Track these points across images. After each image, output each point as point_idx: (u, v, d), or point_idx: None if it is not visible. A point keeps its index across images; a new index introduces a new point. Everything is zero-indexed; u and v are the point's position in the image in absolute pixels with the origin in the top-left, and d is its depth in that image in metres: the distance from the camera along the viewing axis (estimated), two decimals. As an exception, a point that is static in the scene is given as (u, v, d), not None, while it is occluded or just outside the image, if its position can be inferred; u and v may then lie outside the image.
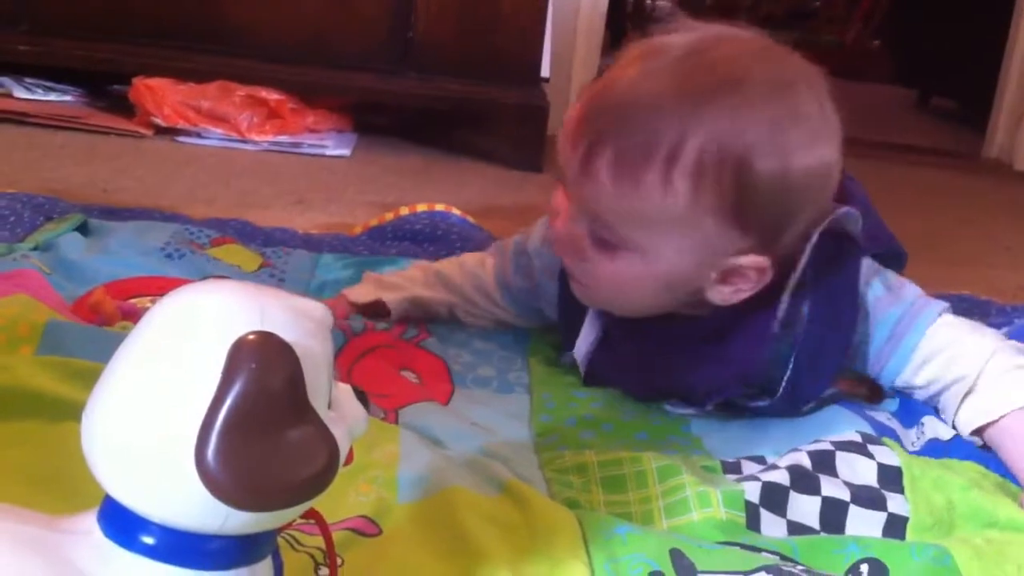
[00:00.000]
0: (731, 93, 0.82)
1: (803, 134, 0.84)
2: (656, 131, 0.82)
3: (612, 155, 0.83)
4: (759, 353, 0.90)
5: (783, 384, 0.91)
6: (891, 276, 0.97)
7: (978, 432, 0.90)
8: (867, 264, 0.95)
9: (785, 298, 0.89)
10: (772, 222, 0.85)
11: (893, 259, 1.08)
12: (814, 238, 0.88)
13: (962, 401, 0.91)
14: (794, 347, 0.90)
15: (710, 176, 0.82)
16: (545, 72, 2.23)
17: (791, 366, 0.91)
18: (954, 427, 0.92)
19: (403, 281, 1.10)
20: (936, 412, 0.94)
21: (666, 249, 0.86)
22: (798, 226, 0.87)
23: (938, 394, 0.94)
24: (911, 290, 0.96)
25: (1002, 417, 0.88)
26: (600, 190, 0.84)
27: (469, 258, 1.12)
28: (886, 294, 0.94)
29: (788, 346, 0.91)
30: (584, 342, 0.98)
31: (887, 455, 0.84)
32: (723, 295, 0.88)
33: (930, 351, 0.93)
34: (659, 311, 0.93)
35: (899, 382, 0.95)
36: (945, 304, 0.95)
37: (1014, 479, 0.86)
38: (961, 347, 0.92)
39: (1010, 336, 1.05)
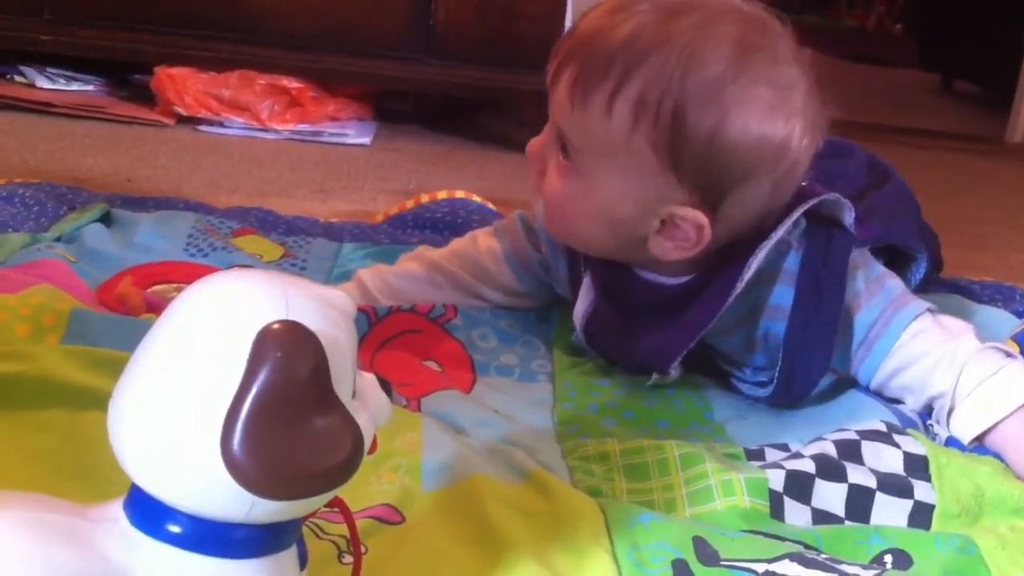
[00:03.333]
0: (690, 43, 0.85)
1: (751, 103, 0.85)
2: (612, 60, 0.86)
3: (572, 73, 0.89)
4: (710, 319, 0.91)
5: (776, 374, 0.92)
6: (875, 269, 0.96)
7: (977, 441, 0.89)
8: (855, 255, 0.94)
9: (748, 270, 0.89)
10: (709, 179, 0.86)
11: (909, 259, 1.07)
12: (795, 215, 0.90)
13: (948, 417, 0.90)
14: (782, 334, 0.92)
15: (649, 111, 0.85)
16: (565, 58, 2.22)
17: (781, 354, 0.91)
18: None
19: (407, 286, 1.06)
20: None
21: (607, 179, 0.89)
22: (744, 197, 0.88)
23: (925, 407, 0.93)
24: (892, 287, 0.95)
25: (990, 430, 0.87)
26: (560, 104, 0.90)
27: (459, 246, 1.10)
28: (865, 289, 0.94)
29: (771, 335, 0.93)
30: (582, 303, 0.99)
31: (913, 444, 0.83)
32: (664, 249, 0.90)
33: (901, 362, 0.92)
34: (613, 253, 0.95)
35: (873, 386, 0.95)
36: (923, 306, 0.94)
37: None
38: (933, 360, 0.91)
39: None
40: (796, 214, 0.90)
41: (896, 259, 1.06)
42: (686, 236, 0.89)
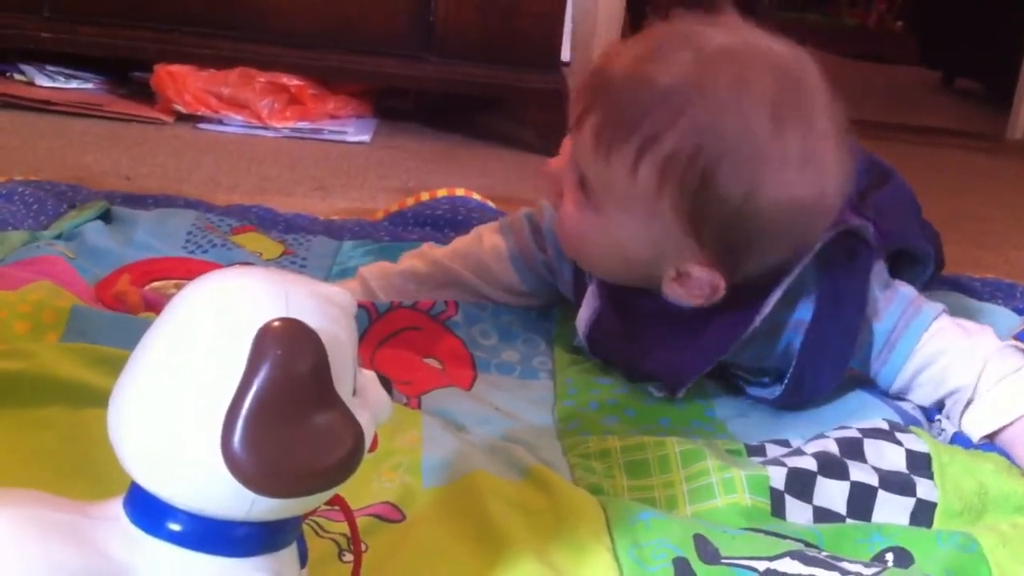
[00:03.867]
0: (725, 106, 0.82)
1: (782, 172, 0.83)
2: (642, 114, 0.84)
3: (599, 120, 0.86)
4: (726, 348, 0.91)
5: (786, 380, 0.92)
6: (886, 275, 0.96)
7: (988, 438, 0.89)
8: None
9: (768, 304, 0.89)
10: (730, 245, 0.85)
11: (916, 260, 1.07)
12: (817, 247, 0.89)
13: (964, 411, 0.90)
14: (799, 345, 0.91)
15: (675, 175, 0.83)
16: (565, 56, 2.22)
17: (794, 363, 0.91)
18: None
19: (409, 286, 1.06)
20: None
21: (624, 225, 0.88)
22: (764, 258, 0.87)
23: (939, 403, 0.93)
24: (905, 292, 0.95)
25: (1007, 426, 0.87)
26: (583, 148, 0.88)
27: (463, 244, 1.09)
28: (883, 296, 0.94)
29: (791, 347, 0.92)
30: (586, 310, 0.98)
31: (915, 442, 0.83)
32: (677, 294, 0.89)
33: (923, 360, 0.92)
34: (625, 282, 0.94)
35: (894, 389, 0.95)
36: (939, 307, 0.94)
37: None
38: (955, 356, 0.91)
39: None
40: (818, 246, 0.89)
41: (900, 260, 1.06)
42: (700, 288, 0.88)
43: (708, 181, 0.82)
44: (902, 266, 1.03)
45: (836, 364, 0.92)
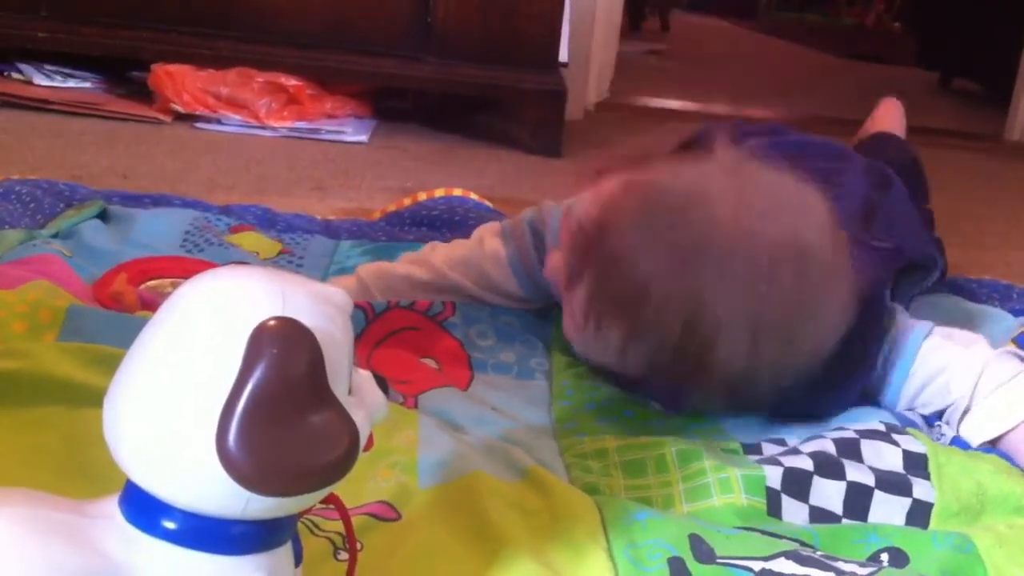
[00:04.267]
0: (713, 292, 0.78)
1: (786, 322, 0.80)
2: (629, 301, 0.80)
3: (589, 292, 0.82)
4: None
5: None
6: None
7: (989, 444, 0.89)
8: None
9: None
10: (734, 388, 0.83)
11: (918, 265, 1.07)
12: None
13: (961, 419, 0.90)
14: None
15: (664, 360, 0.81)
16: (563, 57, 2.22)
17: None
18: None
19: (407, 291, 1.05)
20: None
21: (622, 368, 0.86)
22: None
23: (939, 413, 0.93)
24: (899, 316, 0.95)
25: (1007, 432, 0.88)
26: (576, 308, 0.84)
27: (463, 249, 1.08)
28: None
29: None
30: None
31: (912, 443, 0.83)
32: None
33: (924, 379, 0.92)
34: None
35: (900, 408, 0.94)
36: (928, 325, 0.94)
37: None
38: (954, 370, 0.91)
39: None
40: None
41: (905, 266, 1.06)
42: None
43: (705, 354, 0.79)
44: (904, 270, 1.03)
45: (842, 398, 0.92)
